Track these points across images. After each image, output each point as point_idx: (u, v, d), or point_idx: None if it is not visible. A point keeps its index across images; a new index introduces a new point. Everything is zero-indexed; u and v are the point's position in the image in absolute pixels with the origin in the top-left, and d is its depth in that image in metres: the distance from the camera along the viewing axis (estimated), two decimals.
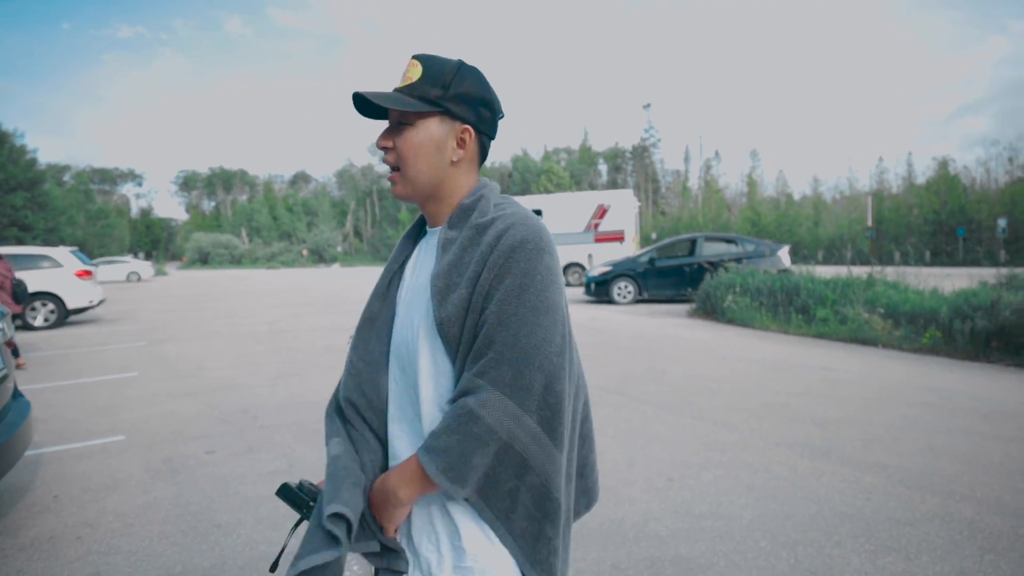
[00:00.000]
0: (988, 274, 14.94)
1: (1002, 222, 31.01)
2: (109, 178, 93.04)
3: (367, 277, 33.13)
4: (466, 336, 0.97)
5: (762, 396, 5.69)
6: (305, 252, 65.25)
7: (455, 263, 1.00)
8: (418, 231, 1.19)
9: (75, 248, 13.81)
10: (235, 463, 4.14)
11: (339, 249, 67.75)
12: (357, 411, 1.11)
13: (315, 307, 15.59)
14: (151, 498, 3.59)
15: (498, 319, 0.94)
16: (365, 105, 1.06)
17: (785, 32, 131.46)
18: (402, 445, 1.07)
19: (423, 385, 1.03)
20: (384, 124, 1.08)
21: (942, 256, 36.84)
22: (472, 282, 0.97)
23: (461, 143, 1.05)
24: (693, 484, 3.63)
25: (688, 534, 3.00)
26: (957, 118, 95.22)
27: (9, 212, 37.48)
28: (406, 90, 1.02)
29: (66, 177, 71.16)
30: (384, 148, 1.05)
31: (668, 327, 10.61)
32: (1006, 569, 2.66)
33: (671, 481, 3.67)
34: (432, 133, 1.03)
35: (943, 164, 44.33)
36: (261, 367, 7.55)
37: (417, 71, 1.03)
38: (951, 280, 12.09)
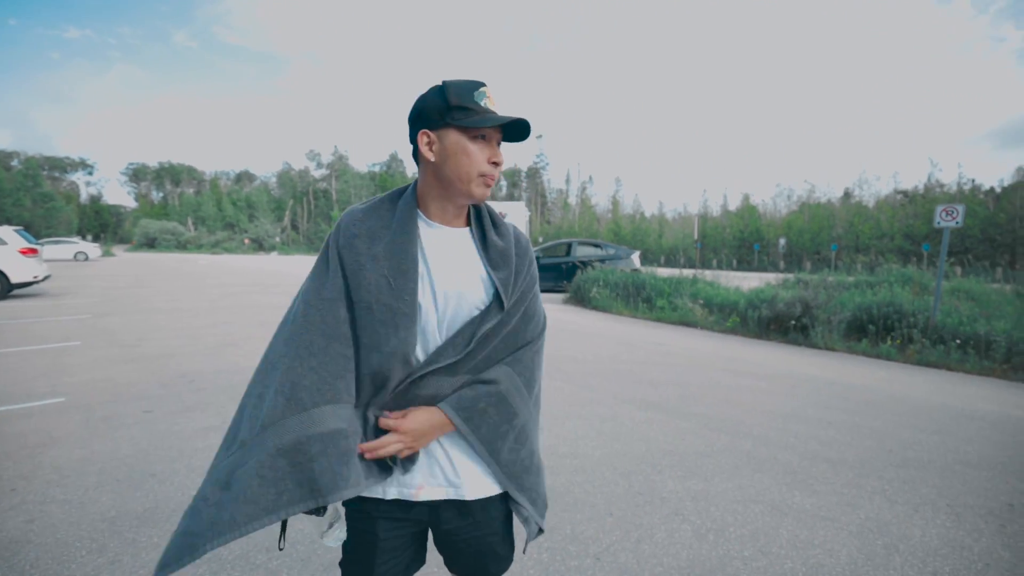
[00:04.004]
0: (772, 277, 16.60)
1: (782, 240, 34.52)
2: (59, 166, 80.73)
3: (303, 262, 31.26)
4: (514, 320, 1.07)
5: (614, 364, 6.00)
6: (247, 241, 60.37)
7: (514, 265, 1.07)
8: (409, 213, 1.02)
9: (20, 228, 11.89)
10: (172, 420, 3.77)
11: (277, 239, 63.33)
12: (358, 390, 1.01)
13: (255, 287, 14.51)
14: (89, 452, 3.19)
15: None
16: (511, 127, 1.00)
17: (641, 86, 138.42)
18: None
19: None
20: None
21: (744, 264, 40.44)
22: (520, 278, 1.08)
23: None
24: (559, 432, 3.76)
25: (552, 470, 3.11)
26: (760, 163, 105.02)
27: None
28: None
29: (14, 163, 61.16)
30: (501, 161, 1.01)
31: (547, 311, 10.85)
32: (767, 483, 2.99)
33: (541, 430, 3.77)
34: None
35: (747, 197, 48.64)
36: (200, 339, 6.93)
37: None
38: (748, 281, 13.31)
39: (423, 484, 1.05)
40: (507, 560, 1.15)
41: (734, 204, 52.31)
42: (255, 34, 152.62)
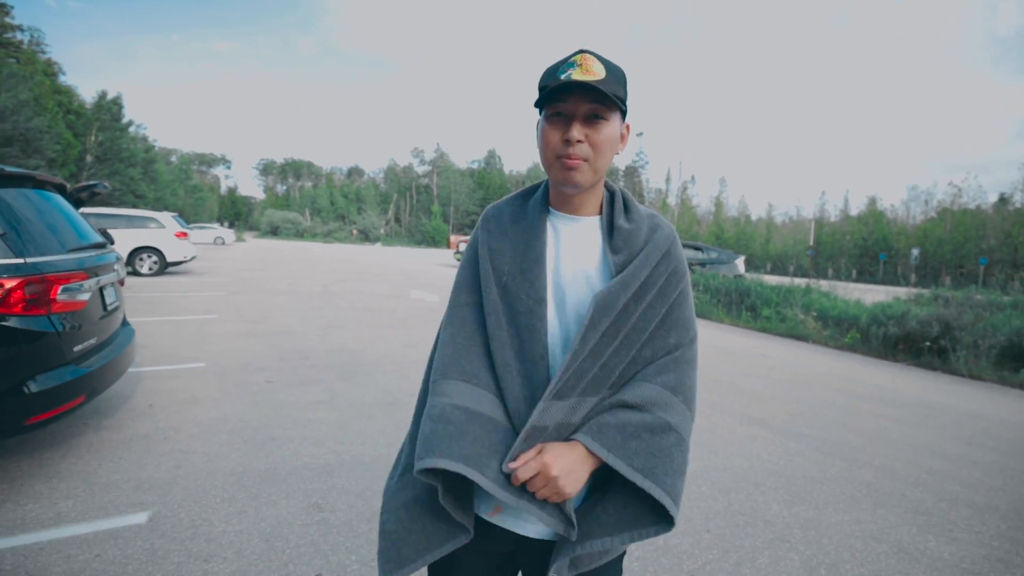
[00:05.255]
0: (901, 292, 14.77)
1: (915, 251, 30.63)
2: (205, 161, 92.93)
3: (404, 254, 33.22)
4: (634, 321, 0.89)
5: (714, 374, 5.68)
6: (355, 232, 65.12)
7: (641, 246, 0.92)
8: (540, 205, 0.96)
9: (176, 214, 13.82)
10: (289, 392, 4.17)
11: (382, 231, 67.60)
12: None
13: (360, 275, 15.63)
14: (222, 412, 3.63)
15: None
16: (559, 91, 0.85)
17: (754, 83, 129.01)
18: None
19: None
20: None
21: (866, 275, 36.46)
22: (647, 264, 0.90)
23: (623, 139, 0.93)
24: None
25: None
26: (890, 163, 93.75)
27: (128, 182, 38.11)
28: (603, 84, 0.83)
29: (173, 158, 71.34)
30: (578, 139, 0.85)
31: None
32: (893, 521, 2.66)
33: None
34: (615, 129, 0.88)
35: (872, 201, 43.75)
36: (314, 319, 7.58)
37: (600, 68, 0.84)
38: (871, 295, 11.97)
39: (500, 506, 0.90)
40: None
41: (856, 208, 47.20)
42: (368, 39, 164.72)
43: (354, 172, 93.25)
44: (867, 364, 6.92)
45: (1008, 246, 31.42)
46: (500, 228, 0.97)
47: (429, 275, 17.15)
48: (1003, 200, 39.06)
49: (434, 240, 60.80)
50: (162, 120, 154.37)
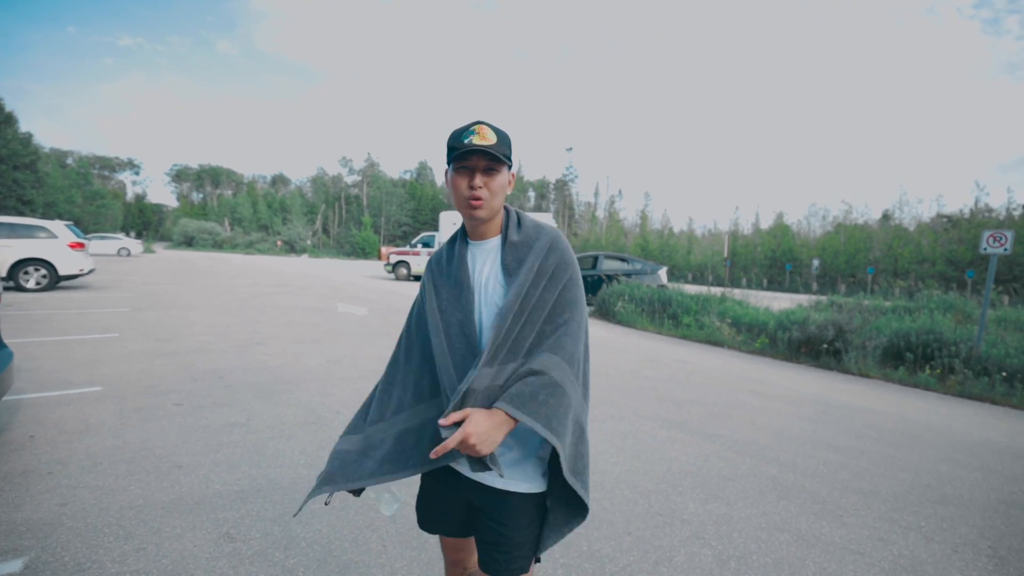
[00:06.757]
0: (804, 299, 16.16)
1: (816, 261, 33.60)
2: (109, 165, 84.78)
3: (332, 265, 31.89)
4: (532, 307, 1.19)
5: (637, 381, 5.91)
6: (279, 243, 61.93)
7: (529, 251, 1.23)
8: (460, 241, 1.30)
9: (70, 223, 12.49)
10: (200, 415, 3.88)
11: (309, 242, 64.78)
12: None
13: (285, 288, 14.86)
14: (121, 441, 3.31)
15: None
16: (466, 154, 1.17)
17: (677, 100, 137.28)
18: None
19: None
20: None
21: (775, 283, 39.46)
22: (543, 267, 1.22)
23: (511, 183, 1.25)
24: None
25: None
26: (794, 182, 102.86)
27: (11, 187, 33.81)
28: (494, 148, 1.16)
29: (69, 161, 64.49)
30: (479, 186, 1.17)
31: None
32: (793, 511, 2.89)
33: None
34: (504, 177, 1.21)
35: (780, 216, 47.70)
36: (230, 336, 7.12)
37: (492, 135, 1.17)
38: (778, 302, 12.97)
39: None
40: (519, 561, 1.21)
41: (766, 222, 51.29)
42: (294, 46, 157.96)
43: (279, 180, 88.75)
44: (775, 366, 7.49)
45: (890, 257, 35.30)
46: (439, 268, 1.31)
47: (358, 287, 16.63)
48: (885, 216, 43.97)
49: (364, 251, 58.93)
50: (56, 119, 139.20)
